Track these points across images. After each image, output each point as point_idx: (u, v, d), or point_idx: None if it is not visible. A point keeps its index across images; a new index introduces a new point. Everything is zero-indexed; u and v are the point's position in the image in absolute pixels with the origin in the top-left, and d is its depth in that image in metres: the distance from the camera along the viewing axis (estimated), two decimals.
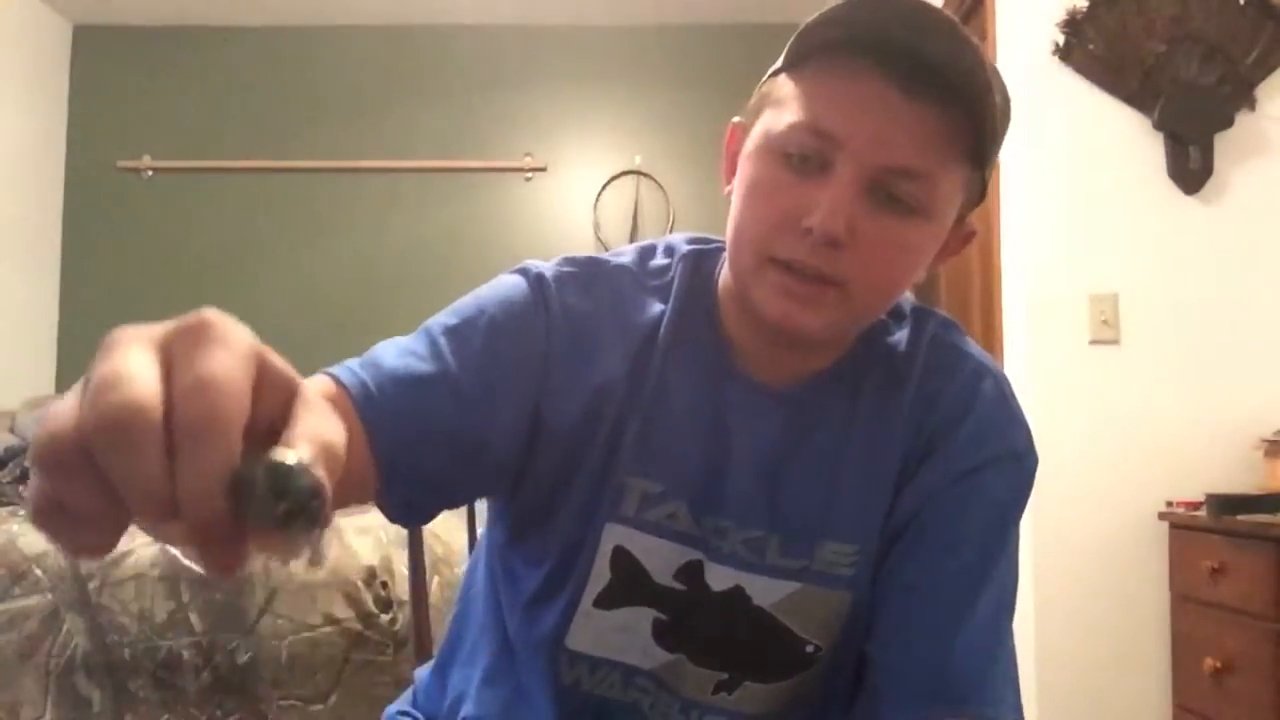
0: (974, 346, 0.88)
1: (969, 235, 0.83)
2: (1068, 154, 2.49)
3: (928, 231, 0.76)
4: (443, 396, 0.75)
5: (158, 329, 0.36)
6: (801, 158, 0.74)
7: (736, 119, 0.83)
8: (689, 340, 0.83)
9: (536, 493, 0.82)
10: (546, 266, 0.84)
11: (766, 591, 0.82)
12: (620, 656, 0.84)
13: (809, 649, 0.84)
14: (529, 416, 0.79)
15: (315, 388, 0.71)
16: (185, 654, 1.99)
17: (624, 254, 0.87)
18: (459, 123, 4.13)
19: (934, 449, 0.82)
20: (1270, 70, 2.43)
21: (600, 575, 0.82)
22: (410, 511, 0.79)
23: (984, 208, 2.77)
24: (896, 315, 0.87)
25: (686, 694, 0.85)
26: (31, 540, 2.09)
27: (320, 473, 0.34)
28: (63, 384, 3.88)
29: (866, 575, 0.82)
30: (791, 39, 0.76)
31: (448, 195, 4.11)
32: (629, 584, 0.83)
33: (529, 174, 4.13)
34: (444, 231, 4.09)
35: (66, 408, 0.34)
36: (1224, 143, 2.44)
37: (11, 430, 3.11)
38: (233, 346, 0.35)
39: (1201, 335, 2.42)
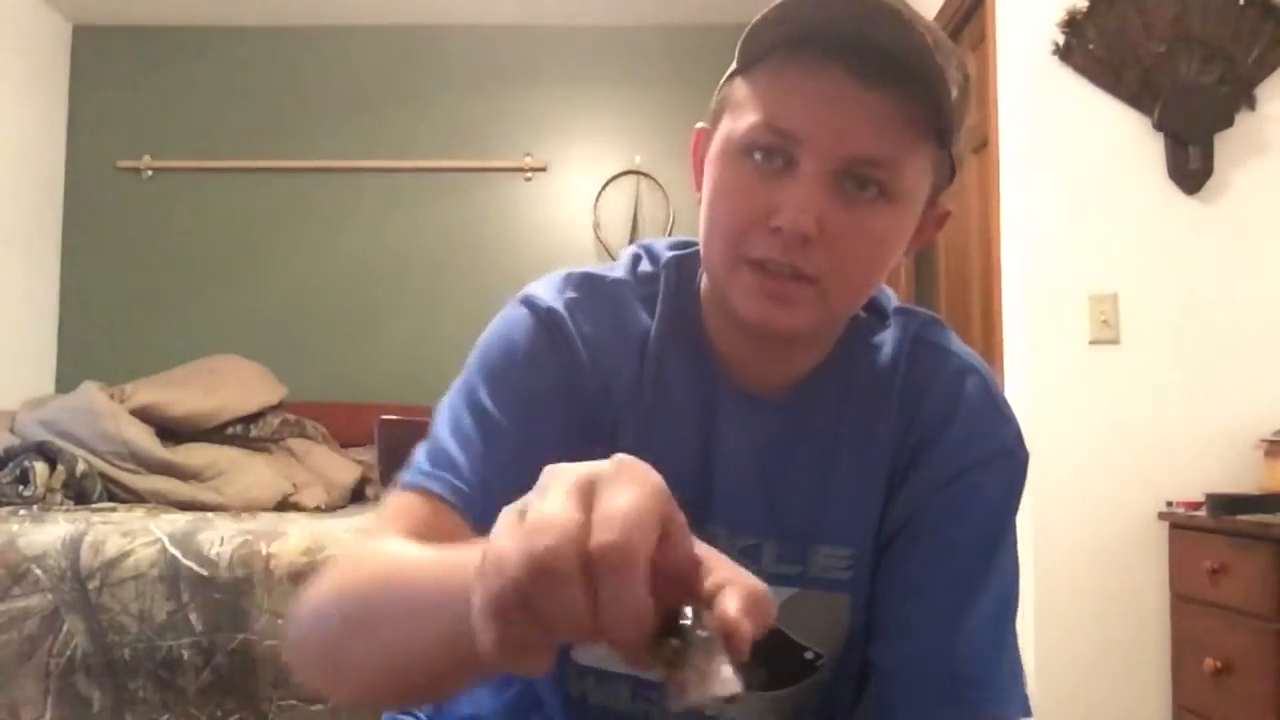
0: (958, 344, 0.87)
1: (943, 217, 0.82)
2: (1068, 154, 2.48)
3: (898, 218, 0.75)
4: (526, 475, 0.76)
5: (584, 469, 0.43)
6: (765, 157, 0.73)
7: (700, 124, 0.83)
8: (675, 349, 0.82)
9: None
10: (551, 296, 0.83)
11: None
12: (628, 669, 0.84)
13: (808, 656, 0.83)
14: (578, 453, 0.79)
15: (407, 508, 0.73)
16: (185, 654, 1.99)
17: (617, 266, 0.87)
18: (458, 123, 4.13)
19: (923, 451, 0.82)
20: (1270, 70, 2.43)
21: None
22: None
23: (984, 208, 2.78)
24: (880, 316, 0.87)
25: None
26: (31, 540, 2.09)
27: (712, 626, 0.41)
28: (63, 384, 3.88)
29: (864, 578, 0.82)
30: (741, 40, 0.75)
31: (447, 195, 4.10)
32: None
33: (529, 174, 4.13)
34: (444, 231, 4.09)
35: (506, 548, 0.41)
36: (1224, 143, 2.44)
37: (11, 430, 3.11)
38: (643, 488, 0.42)
39: (1201, 335, 2.42)
